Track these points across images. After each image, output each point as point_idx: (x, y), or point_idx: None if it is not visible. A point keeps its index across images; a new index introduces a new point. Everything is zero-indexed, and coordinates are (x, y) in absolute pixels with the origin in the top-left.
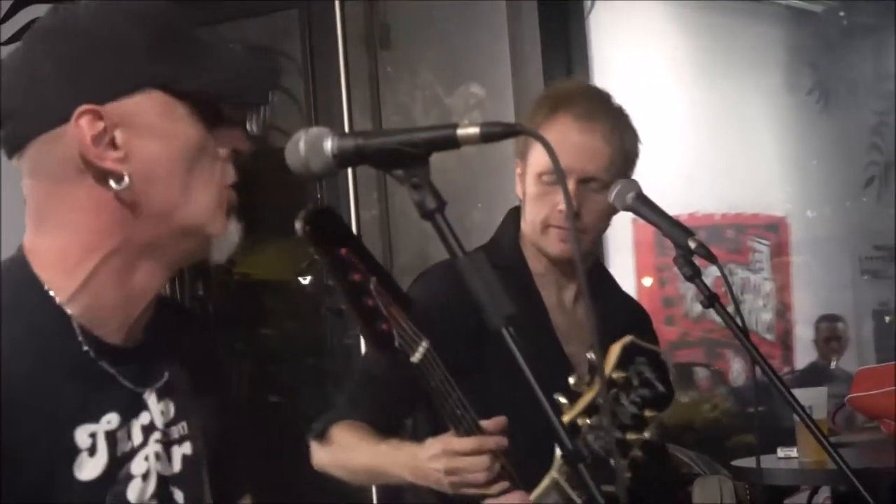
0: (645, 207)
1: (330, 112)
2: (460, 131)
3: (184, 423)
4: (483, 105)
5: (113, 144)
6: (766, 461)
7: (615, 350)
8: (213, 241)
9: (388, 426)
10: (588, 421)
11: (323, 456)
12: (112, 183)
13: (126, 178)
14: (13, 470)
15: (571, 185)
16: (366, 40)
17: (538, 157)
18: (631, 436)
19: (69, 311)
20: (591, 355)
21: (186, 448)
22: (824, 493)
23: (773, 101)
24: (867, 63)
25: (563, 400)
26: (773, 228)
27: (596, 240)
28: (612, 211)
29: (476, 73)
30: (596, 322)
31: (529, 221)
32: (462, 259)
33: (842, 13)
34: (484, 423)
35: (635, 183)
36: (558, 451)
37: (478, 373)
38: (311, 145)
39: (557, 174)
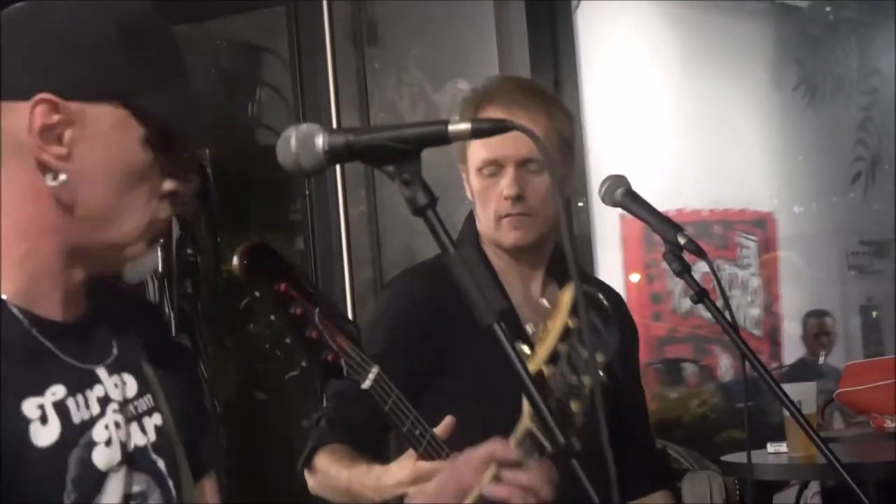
0: (634, 203)
1: (317, 109)
2: (451, 127)
3: (149, 396)
4: None
5: (59, 140)
6: (756, 456)
7: (565, 298)
8: (129, 263)
9: (367, 444)
10: (553, 368)
11: (314, 485)
12: (48, 178)
13: (62, 176)
14: None
15: (510, 171)
16: (353, 37)
17: (474, 153)
18: (586, 380)
19: (4, 291)
20: (544, 300)
21: (157, 419)
22: (814, 487)
23: (760, 97)
24: (853, 59)
25: (525, 349)
26: (761, 224)
27: (548, 224)
28: (562, 195)
29: (463, 69)
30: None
31: (483, 219)
32: (453, 255)
33: (828, 9)
34: (437, 431)
35: (624, 179)
36: (526, 405)
37: (447, 374)
38: (303, 142)
39: (542, 154)
